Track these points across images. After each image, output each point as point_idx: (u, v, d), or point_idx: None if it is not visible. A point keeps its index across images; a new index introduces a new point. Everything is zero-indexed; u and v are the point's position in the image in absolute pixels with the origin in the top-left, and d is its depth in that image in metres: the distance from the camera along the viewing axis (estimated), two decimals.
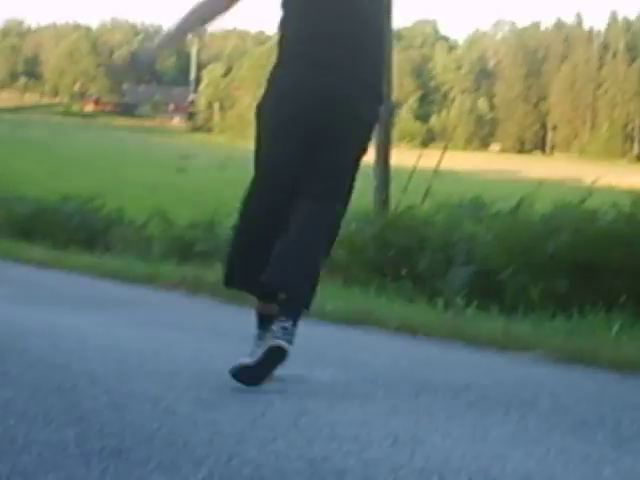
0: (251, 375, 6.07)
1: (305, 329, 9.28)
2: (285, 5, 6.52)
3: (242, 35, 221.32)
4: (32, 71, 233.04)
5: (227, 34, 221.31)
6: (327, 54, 6.32)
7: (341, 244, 14.99)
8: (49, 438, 4.52)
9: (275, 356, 6.06)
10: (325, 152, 6.43)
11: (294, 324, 6.20)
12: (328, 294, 11.42)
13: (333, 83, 6.31)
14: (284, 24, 6.55)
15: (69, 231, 23.90)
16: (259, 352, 6.10)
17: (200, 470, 4.05)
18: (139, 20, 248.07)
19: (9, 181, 37.72)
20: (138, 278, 13.74)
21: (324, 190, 6.44)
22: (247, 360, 6.10)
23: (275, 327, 6.16)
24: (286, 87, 6.45)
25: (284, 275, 6.31)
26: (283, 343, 6.07)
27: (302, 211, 6.39)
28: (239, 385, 6.17)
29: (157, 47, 7.01)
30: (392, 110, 19.02)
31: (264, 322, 6.53)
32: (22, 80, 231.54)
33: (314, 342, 8.67)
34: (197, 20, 6.77)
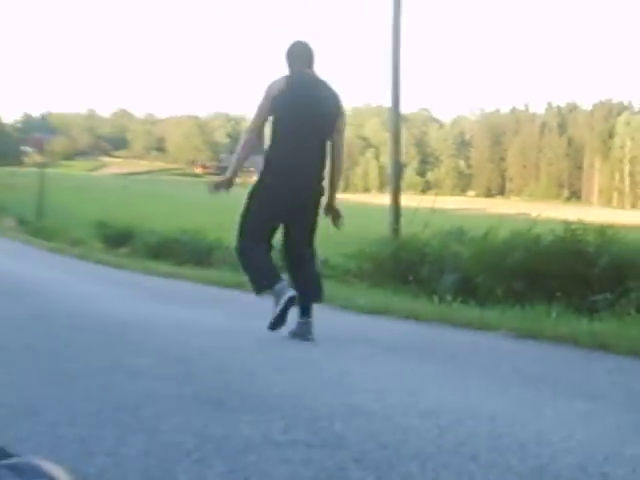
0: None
1: (344, 317, 9.30)
2: (275, 135, 7.29)
3: None
4: (160, 147, 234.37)
5: None
6: (298, 178, 7.18)
7: (368, 259, 15.00)
8: (173, 392, 4.54)
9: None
10: (303, 218, 7.36)
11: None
12: (360, 293, 11.44)
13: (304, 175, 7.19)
14: (273, 148, 7.32)
15: (184, 253, 24.07)
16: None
17: (275, 413, 4.06)
18: (232, 111, 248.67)
19: (144, 220, 37.90)
20: (231, 284, 13.72)
21: (309, 242, 7.42)
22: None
23: (308, 322, 7.14)
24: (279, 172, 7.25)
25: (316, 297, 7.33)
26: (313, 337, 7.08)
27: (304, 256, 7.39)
28: (299, 355, 6.20)
29: (225, 181, 7.56)
30: (401, 169, 18.99)
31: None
32: (153, 153, 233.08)
33: (351, 326, 8.67)
34: (244, 160, 7.56)
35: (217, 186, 7.56)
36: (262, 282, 7.19)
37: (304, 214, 7.34)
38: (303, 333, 7.08)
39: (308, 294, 7.22)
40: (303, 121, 7.13)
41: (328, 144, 7.36)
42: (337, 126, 7.37)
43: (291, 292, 6.92)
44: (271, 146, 7.35)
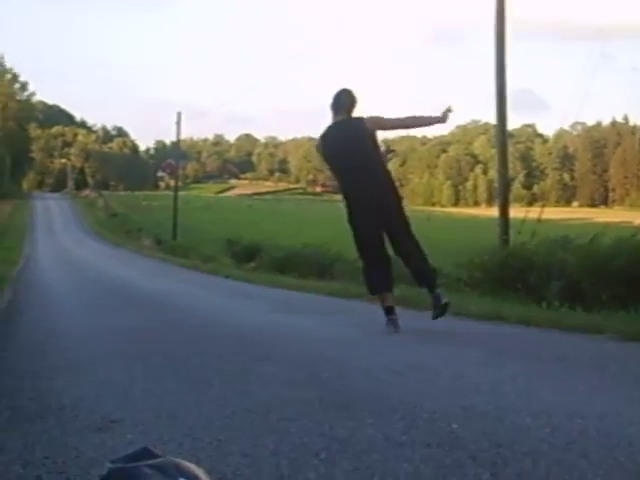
0: (440, 314, 8.27)
1: (457, 323, 9.23)
2: (336, 177, 8.56)
3: (411, 139, 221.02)
4: (282, 168, 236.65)
5: (402, 138, 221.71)
6: (358, 185, 8.28)
7: (478, 268, 14.90)
8: (301, 397, 4.57)
9: (447, 306, 8.27)
10: (394, 220, 8.37)
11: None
12: (471, 301, 11.35)
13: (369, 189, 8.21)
14: (341, 186, 8.54)
15: (308, 267, 24.12)
16: (435, 309, 8.25)
17: (396, 415, 4.06)
18: None
19: (269, 236, 38.21)
20: (352, 295, 13.73)
21: (409, 239, 8.42)
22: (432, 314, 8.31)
23: (437, 294, 8.26)
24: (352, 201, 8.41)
25: (430, 279, 8.39)
26: (448, 300, 8.28)
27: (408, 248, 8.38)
28: (417, 360, 6.18)
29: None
30: (508, 183, 18.87)
31: (388, 311, 8.22)
32: (277, 174, 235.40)
33: (464, 331, 8.61)
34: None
35: None
36: (368, 289, 8.69)
37: (391, 222, 8.34)
38: (436, 306, 8.28)
39: (422, 279, 8.42)
40: (344, 155, 8.31)
41: (380, 160, 8.50)
42: (370, 124, 8.36)
43: (385, 305, 8.28)
44: (339, 184, 8.57)
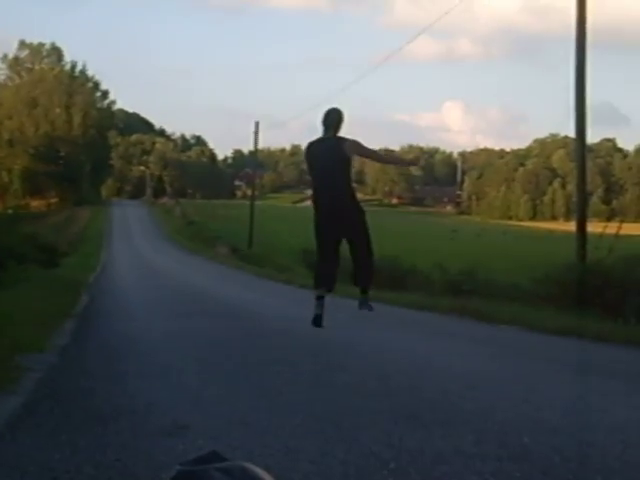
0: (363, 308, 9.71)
1: (532, 337, 9.14)
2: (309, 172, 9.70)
3: (489, 151, 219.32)
4: (359, 179, 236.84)
5: (479, 152, 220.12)
6: (326, 196, 9.36)
7: (554, 284, 14.75)
8: (372, 407, 4.57)
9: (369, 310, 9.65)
10: (348, 225, 9.48)
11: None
12: (547, 316, 11.23)
13: (334, 203, 9.32)
14: (312, 191, 9.66)
15: (382, 278, 24.07)
16: (360, 306, 9.73)
17: (466, 427, 4.05)
18: (425, 144, 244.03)
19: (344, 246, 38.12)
20: (424, 307, 13.67)
21: (365, 242, 9.75)
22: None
23: (365, 299, 9.67)
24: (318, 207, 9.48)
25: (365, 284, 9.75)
26: (370, 309, 9.59)
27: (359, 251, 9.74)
28: (489, 373, 6.13)
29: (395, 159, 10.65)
30: (586, 198, 18.67)
31: (319, 298, 9.44)
32: (353, 185, 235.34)
33: (538, 346, 8.53)
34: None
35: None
36: (314, 283, 9.74)
37: (350, 226, 9.47)
38: (361, 305, 9.60)
39: (359, 280, 9.77)
40: (320, 168, 9.40)
41: (350, 170, 9.63)
42: (349, 148, 9.36)
43: (319, 293, 9.49)
44: (312, 192, 9.65)
